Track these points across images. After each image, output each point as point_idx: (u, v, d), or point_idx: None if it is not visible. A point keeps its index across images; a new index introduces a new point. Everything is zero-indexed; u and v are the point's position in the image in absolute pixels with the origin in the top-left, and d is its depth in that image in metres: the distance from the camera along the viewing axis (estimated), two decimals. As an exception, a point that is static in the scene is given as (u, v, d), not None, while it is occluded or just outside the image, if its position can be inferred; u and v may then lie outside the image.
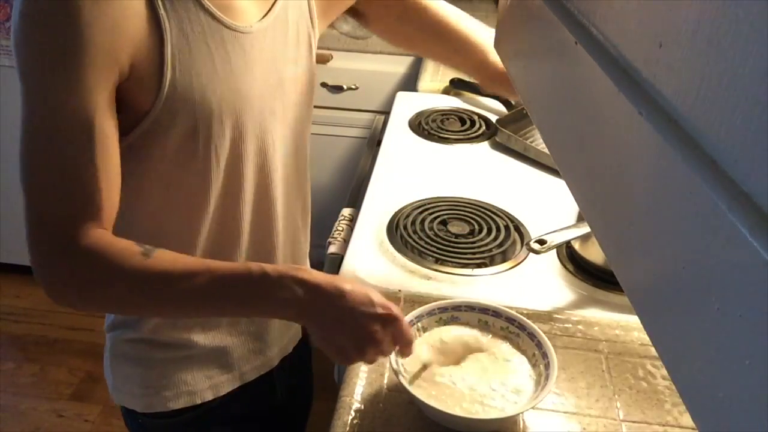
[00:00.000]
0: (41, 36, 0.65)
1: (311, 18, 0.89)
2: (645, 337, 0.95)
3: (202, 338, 0.90)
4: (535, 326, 0.87)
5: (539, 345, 0.85)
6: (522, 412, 0.80)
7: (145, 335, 0.88)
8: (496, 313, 0.89)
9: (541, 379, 0.81)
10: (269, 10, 0.80)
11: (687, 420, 0.84)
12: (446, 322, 0.90)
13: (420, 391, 0.79)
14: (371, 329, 0.72)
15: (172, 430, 0.94)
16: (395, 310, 0.75)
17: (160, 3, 0.69)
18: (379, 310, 0.73)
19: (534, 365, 0.85)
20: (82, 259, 0.69)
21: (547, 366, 0.82)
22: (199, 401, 0.90)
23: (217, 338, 0.91)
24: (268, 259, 0.94)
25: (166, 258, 0.71)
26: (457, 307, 0.90)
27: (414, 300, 1.01)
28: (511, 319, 0.89)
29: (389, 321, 0.74)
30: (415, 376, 0.83)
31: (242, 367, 0.94)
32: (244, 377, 0.95)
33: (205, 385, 0.91)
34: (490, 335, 0.89)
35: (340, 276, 0.76)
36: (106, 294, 0.72)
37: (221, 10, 0.74)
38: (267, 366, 0.98)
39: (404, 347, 0.78)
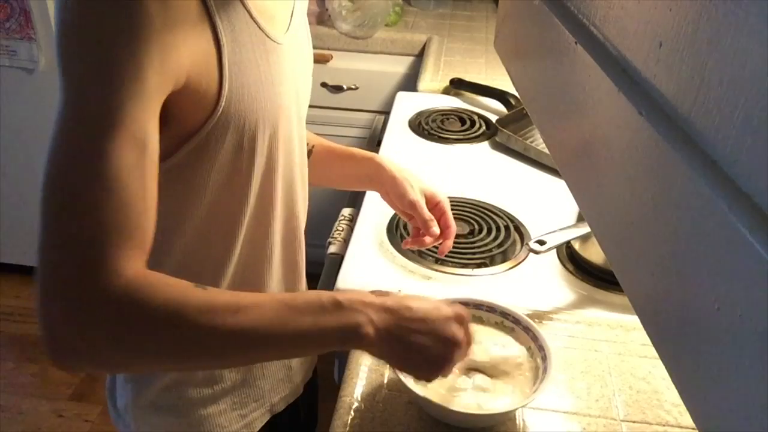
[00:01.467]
0: (104, 35, 0.56)
1: (311, 44, 0.89)
2: (645, 337, 0.95)
3: (234, 371, 0.87)
4: (529, 319, 0.87)
5: (534, 338, 0.85)
6: (522, 407, 0.80)
7: (177, 376, 0.84)
8: (490, 308, 0.90)
9: (539, 372, 0.82)
10: (290, 23, 0.79)
11: (687, 420, 0.84)
12: None
13: (420, 388, 0.79)
14: (451, 331, 0.70)
15: None
16: (463, 309, 0.73)
17: (215, 10, 0.65)
18: (450, 312, 0.71)
19: (530, 358, 0.85)
20: (132, 296, 0.56)
21: (544, 358, 0.82)
22: None
23: (248, 371, 0.89)
24: (296, 276, 0.93)
25: (224, 291, 0.62)
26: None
27: (414, 300, 1.01)
28: (505, 314, 0.89)
29: (463, 320, 0.72)
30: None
31: (272, 398, 0.93)
32: (275, 408, 0.93)
33: (239, 425, 0.88)
34: (486, 325, 0.89)
35: (401, 295, 0.72)
36: (161, 338, 0.58)
37: (263, 19, 0.72)
38: (294, 394, 0.97)
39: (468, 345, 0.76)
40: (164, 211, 0.67)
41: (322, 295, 0.65)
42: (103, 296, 0.55)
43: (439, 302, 0.72)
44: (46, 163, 0.56)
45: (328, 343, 0.66)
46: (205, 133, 0.68)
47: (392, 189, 0.96)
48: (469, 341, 0.74)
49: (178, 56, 0.60)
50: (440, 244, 0.98)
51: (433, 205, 0.97)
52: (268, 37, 0.72)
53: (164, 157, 0.68)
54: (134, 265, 0.57)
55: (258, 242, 0.82)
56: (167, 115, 0.64)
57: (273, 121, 0.75)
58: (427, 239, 0.96)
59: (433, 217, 0.95)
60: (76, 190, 0.55)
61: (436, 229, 0.95)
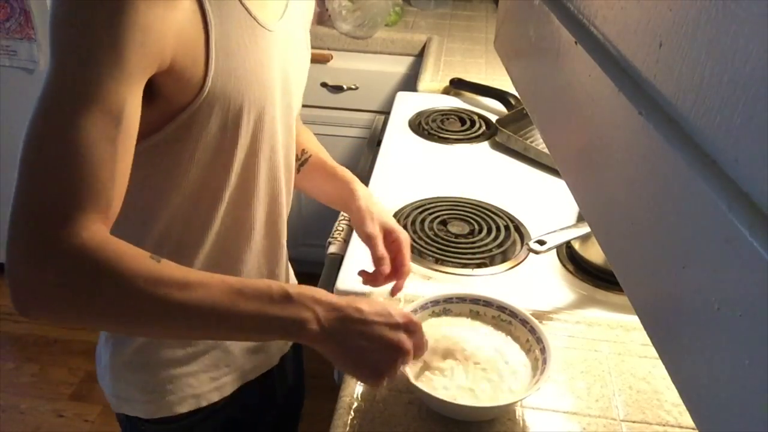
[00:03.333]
0: (88, 12, 0.60)
1: (308, 36, 0.91)
2: (645, 337, 0.95)
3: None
4: (527, 313, 0.88)
5: (532, 330, 0.86)
6: (522, 399, 0.80)
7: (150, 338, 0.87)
8: (486, 302, 0.90)
9: (538, 364, 0.82)
10: (284, 12, 0.82)
11: (687, 420, 0.84)
12: (439, 315, 0.90)
13: (421, 383, 0.79)
14: (397, 338, 0.71)
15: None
16: (415, 318, 0.75)
17: None
18: (400, 319, 0.73)
19: (528, 351, 0.86)
20: (84, 255, 0.60)
21: (543, 350, 0.83)
22: (204, 403, 0.90)
23: None
24: (276, 259, 0.94)
25: (176, 266, 0.65)
26: (449, 299, 0.91)
27: (414, 300, 1.01)
28: (502, 308, 0.90)
29: (412, 329, 0.74)
30: (416, 372, 0.83)
31: (244, 365, 0.94)
32: (246, 376, 0.95)
33: (209, 387, 0.90)
34: (482, 325, 0.90)
35: (354, 297, 0.74)
36: (105, 298, 0.62)
37: (254, 6, 0.75)
38: (267, 364, 0.99)
39: (418, 352, 0.78)
40: (150, 183, 0.72)
41: (273, 285, 0.67)
42: (58, 252, 0.59)
43: (393, 309, 0.74)
44: (26, 130, 0.61)
45: (270, 333, 0.70)
46: (191, 112, 0.71)
47: (355, 218, 0.96)
48: (419, 348, 0.76)
49: (163, 38, 0.63)
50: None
51: (390, 241, 0.94)
52: (258, 23, 0.75)
53: (151, 132, 0.71)
54: (92, 228, 0.60)
55: (239, 220, 0.84)
56: (154, 92, 0.67)
57: (259, 105, 0.77)
58: (380, 278, 0.94)
59: (386, 255, 0.92)
60: (45, 154, 0.60)
61: (386, 268, 0.93)
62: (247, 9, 0.73)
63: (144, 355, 0.87)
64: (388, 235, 0.95)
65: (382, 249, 0.93)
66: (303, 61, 0.89)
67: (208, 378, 0.90)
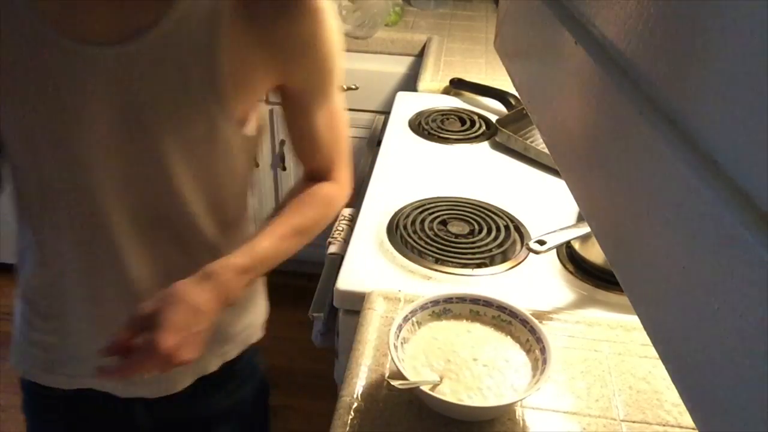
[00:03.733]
0: None
1: (217, 76, 0.74)
2: (645, 337, 0.94)
3: (44, 330, 0.92)
4: (527, 313, 0.88)
5: (532, 330, 0.86)
6: (523, 399, 0.80)
7: (21, 288, 0.92)
8: (487, 302, 0.90)
9: (538, 364, 0.82)
10: (136, 38, 0.70)
11: (687, 420, 0.84)
12: (439, 315, 0.90)
13: (423, 383, 0.79)
14: None
15: (26, 392, 1.04)
16: None
17: None
18: None
19: (528, 351, 0.86)
20: None
21: (543, 350, 0.83)
22: (39, 381, 0.96)
23: (57, 336, 0.92)
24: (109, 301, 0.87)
25: None
26: (449, 299, 0.91)
27: (414, 300, 1.01)
28: (502, 308, 0.90)
29: None
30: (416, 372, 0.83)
31: (81, 376, 0.94)
32: (74, 383, 0.96)
33: (47, 373, 0.95)
34: (482, 325, 0.90)
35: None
36: None
37: (63, 23, 0.67)
38: (108, 388, 0.95)
39: None
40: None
41: None
42: None
43: None
44: None
45: None
46: None
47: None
48: None
49: None
50: None
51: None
52: (57, 41, 0.68)
53: None
54: None
55: (47, 246, 0.83)
56: None
57: (48, 136, 0.72)
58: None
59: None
60: None
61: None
62: (38, 25, 0.67)
63: (22, 306, 0.93)
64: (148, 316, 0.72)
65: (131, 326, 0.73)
66: (191, 106, 0.74)
67: (51, 364, 0.94)
